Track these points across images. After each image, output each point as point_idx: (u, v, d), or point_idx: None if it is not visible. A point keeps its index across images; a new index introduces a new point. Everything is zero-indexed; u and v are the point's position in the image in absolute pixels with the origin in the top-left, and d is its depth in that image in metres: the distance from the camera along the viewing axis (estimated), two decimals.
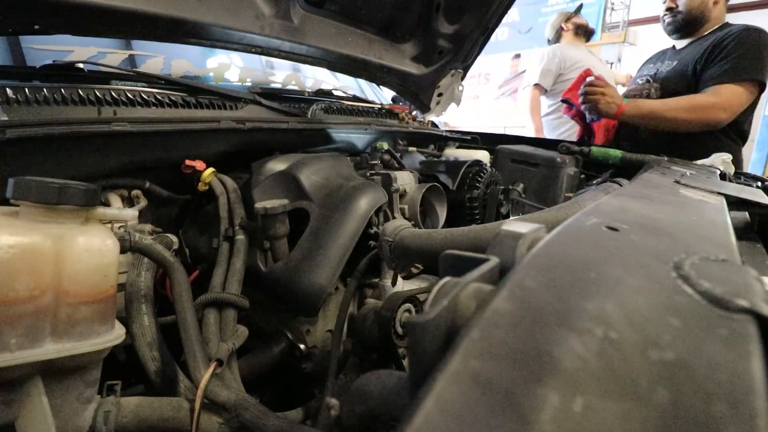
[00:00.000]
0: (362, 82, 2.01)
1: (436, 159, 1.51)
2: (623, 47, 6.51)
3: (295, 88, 1.75)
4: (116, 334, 0.64)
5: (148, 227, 0.95)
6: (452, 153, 1.74)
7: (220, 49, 1.23)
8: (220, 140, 1.11)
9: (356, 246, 0.91)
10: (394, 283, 1.02)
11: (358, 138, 1.49)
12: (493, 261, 0.31)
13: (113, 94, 0.95)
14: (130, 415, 0.65)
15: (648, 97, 1.82)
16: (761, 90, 1.63)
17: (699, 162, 1.36)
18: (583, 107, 1.75)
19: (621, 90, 2.01)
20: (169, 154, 1.02)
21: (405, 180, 1.16)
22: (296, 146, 1.28)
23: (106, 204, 0.93)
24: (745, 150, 1.81)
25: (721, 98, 1.58)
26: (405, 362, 0.82)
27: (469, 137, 1.88)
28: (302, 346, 0.93)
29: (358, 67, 1.57)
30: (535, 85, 2.84)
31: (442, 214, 1.21)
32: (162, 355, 0.76)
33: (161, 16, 1.01)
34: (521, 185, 1.55)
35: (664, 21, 1.83)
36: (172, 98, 1.05)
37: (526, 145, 1.70)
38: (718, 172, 1.18)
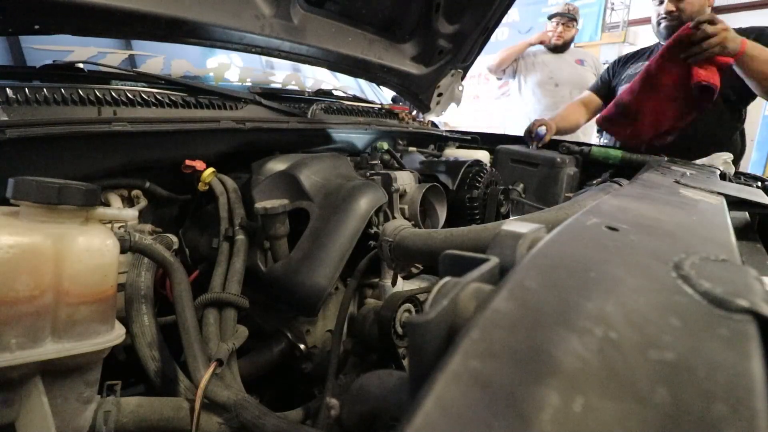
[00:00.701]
0: (362, 82, 2.00)
1: (436, 159, 1.51)
2: (623, 47, 6.50)
3: (295, 88, 1.75)
4: (116, 334, 0.64)
5: (148, 227, 0.95)
6: (452, 153, 1.74)
7: (220, 49, 1.23)
8: (220, 140, 1.11)
9: (356, 246, 0.91)
10: (394, 283, 1.02)
11: (358, 138, 1.49)
12: (493, 261, 0.31)
13: (113, 94, 0.95)
14: (130, 415, 0.65)
15: None
16: None
17: (699, 162, 1.36)
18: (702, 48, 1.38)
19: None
20: (169, 154, 1.02)
21: (405, 180, 1.15)
22: (296, 146, 1.28)
23: (106, 204, 0.93)
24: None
25: None
26: (405, 362, 0.82)
27: (469, 137, 1.88)
28: (302, 346, 0.93)
29: (358, 67, 1.57)
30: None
31: (442, 214, 1.21)
32: (162, 355, 0.76)
33: (161, 16, 1.01)
34: (521, 185, 1.55)
35: (659, 24, 1.76)
36: (172, 98, 1.05)
37: (526, 145, 1.70)
38: (718, 172, 1.18)
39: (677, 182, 0.78)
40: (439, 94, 1.86)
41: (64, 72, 1.00)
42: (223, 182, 1.04)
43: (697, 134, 1.58)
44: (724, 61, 1.38)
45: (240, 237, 0.95)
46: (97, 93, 0.92)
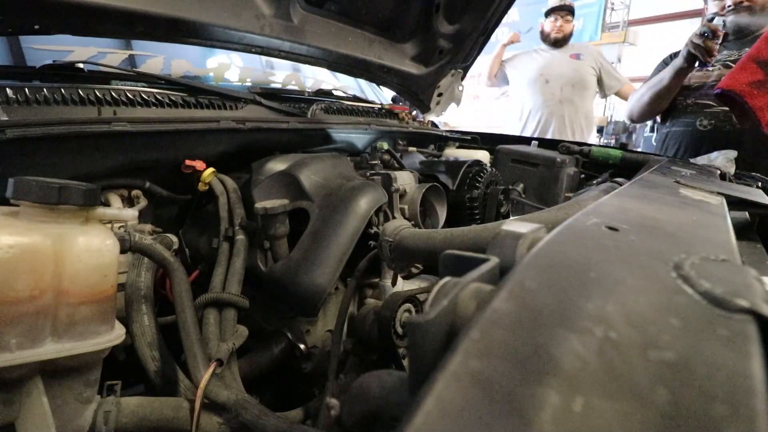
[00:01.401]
0: (362, 82, 2.00)
1: (436, 159, 1.51)
2: (623, 47, 6.51)
3: (295, 88, 1.75)
4: (116, 334, 0.64)
5: (148, 227, 0.95)
6: (452, 153, 1.74)
7: (220, 49, 1.23)
8: (220, 140, 1.11)
9: (356, 246, 0.91)
10: (394, 283, 1.02)
11: (358, 138, 1.49)
12: (493, 261, 0.31)
13: (113, 94, 0.95)
14: (130, 415, 0.65)
15: (718, 79, 1.62)
16: None
17: (699, 161, 1.36)
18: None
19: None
20: (169, 154, 1.02)
21: (405, 180, 1.15)
22: (296, 146, 1.28)
23: (106, 204, 0.93)
24: None
25: None
26: (405, 362, 0.82)
27: (469, 137, 1.88)
28: (302, 346, 0.93)
29: (358, 67, 1.57)
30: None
31: (442, 214, 1.21)
32: (162, 355, 0.76)
33: (161, 16, 1.01)
34: (521, 185, 1.55)
35: (726, 17, 1.67)
36: (172, 98, 1.05)
37: (526, 145, 1.70)
38: (718, 172, 1.18)
39: (677, 182, 0.78)
40: (439, 94, 1.86)
41: (64, 72, 1.00)
42: (223, 182, 1.04)
43: None
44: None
45: (240, 237, 0.95)
46: (97, 93, 0.92)
